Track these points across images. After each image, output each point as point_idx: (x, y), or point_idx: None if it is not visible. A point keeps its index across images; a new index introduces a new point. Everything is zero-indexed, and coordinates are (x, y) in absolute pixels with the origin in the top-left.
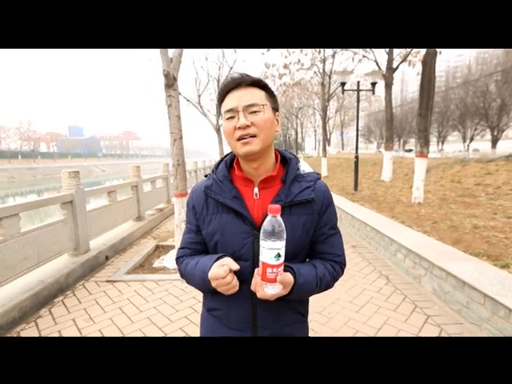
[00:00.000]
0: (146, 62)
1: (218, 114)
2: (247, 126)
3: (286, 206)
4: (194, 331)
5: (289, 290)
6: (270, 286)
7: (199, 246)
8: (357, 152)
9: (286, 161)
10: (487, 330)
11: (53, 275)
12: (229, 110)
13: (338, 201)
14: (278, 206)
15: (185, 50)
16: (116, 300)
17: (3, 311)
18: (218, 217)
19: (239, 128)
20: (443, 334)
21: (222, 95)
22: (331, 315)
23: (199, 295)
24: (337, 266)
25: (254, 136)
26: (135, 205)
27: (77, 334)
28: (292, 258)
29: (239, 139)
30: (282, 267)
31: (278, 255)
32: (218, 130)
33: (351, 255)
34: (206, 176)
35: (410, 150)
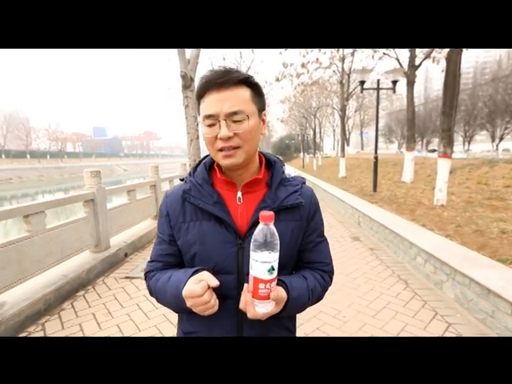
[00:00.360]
0: (166, 63)
1: (197, 111)
2: (229, 138)
3: (274, 213)
4: None
5: (282, 307)
6: (262, 304)
7: (172, 258)
8: (376, 152)
9: (270, 164)
10: None
11: (75, 270)
12: (208, 116)
13: (356, 202)
14: (271, 213)
15: (202, 50)
16: (133, 296)
17: (29, 303)
18: (198, 224)
19: (221, 139)
20: None
21: (201, 93)
22: (346, 319)
23: None
24: (326, 276)
25: (236, 147)
26: (154, 203)
27: (96, 328)
28: (280, 270)
29: (220, 150)
30: (275, 282)
31: (272, 268)
32: None
33: (368, 258)
34: (182, 180)
35: (434, 151)
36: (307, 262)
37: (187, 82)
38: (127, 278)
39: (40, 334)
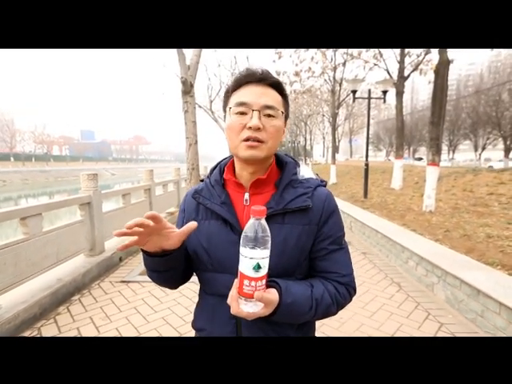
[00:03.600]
0: (159, 68)
1: (224, 105)
2: (258, 129)
3: (279, 215)
4: None
5: (271, 311)
6: (248, 303)
7: None
8: (367, 159)
9: (282, 164)
10: None
11: (70, 274)
12: (242, 104)
13: (348, 208)
14: (262, 208)
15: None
16: (131, 300)
17: (25, 307)
18: (207, 223)
19: (249, 128)
20: None
21: (237, 85)
22: (343, 320)
23: None
24: (341, 288)
25: (261, 141)
26: (148, 207)
27: (94, 332)
28: (285, 277)
29: (245, 140)
30: (264, 281)
31: (258, 266)
32: None
33: (362, 262)
34: (201, 181)
35: (420, 159)
36: (320, 272)
37: (187, 87)
38: (123, 281)
39: None
